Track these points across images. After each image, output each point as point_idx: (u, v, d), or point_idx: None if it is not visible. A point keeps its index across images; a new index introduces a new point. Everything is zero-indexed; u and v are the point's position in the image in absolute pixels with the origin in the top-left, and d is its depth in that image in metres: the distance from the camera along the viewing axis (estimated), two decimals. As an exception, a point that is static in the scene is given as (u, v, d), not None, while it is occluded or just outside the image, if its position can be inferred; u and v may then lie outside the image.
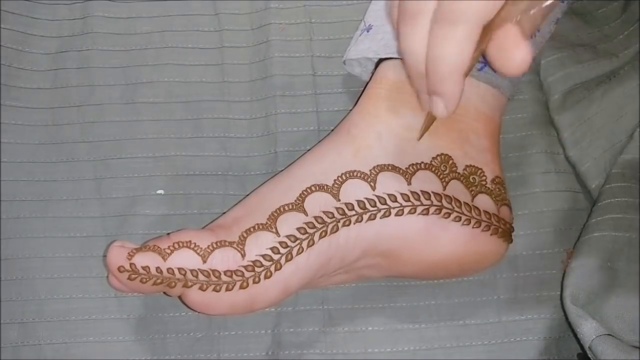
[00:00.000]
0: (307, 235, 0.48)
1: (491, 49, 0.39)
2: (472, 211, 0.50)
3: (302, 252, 0.48)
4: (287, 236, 0.48)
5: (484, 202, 0.51)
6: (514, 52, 0.38)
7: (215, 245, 0.48)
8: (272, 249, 0.48)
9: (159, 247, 0.47)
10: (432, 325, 0.54)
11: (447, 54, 0.39)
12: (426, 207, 0.49)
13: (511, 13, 0.38)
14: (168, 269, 0.47)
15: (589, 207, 0.57)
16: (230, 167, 0.58)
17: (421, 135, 0.49)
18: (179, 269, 0.47)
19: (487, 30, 0.38)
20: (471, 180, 0.51)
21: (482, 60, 0.51)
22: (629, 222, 0.53)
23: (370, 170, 0.50)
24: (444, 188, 0.50)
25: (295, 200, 0.49)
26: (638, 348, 0.47)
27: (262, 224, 0.49)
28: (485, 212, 0.50)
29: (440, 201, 0.49)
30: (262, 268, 0.48)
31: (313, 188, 0.49)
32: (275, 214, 0.49)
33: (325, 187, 0.49)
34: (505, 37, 0.38)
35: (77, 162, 0.58)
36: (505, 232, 0.51)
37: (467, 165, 0.51)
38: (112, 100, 0.60)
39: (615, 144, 0.56)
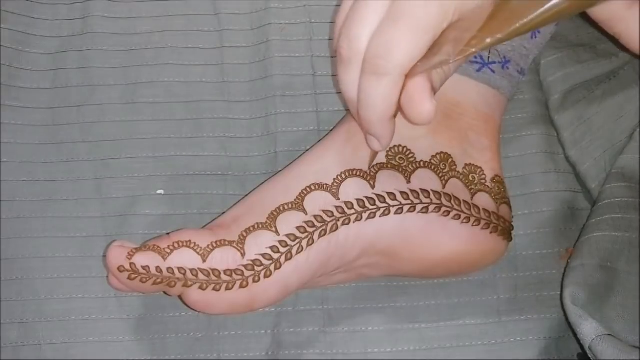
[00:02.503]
0: (306, 234, 0.48)
1: (402, 97, 0.40)
2: (472, 209, 0.50)
3: (301, 251, 0.48)
4: (287, 235, 0.48)
5: (484, 200, 0.51)
6: (420, 106, 0.40)
7: (215, 245, 0.48)
8: (271, 248, 0.48)
9: (158, 247, 0.47)
10: (432, 325, 0.54)
11: (372, 103, 0.41)
12: (426, 205, 0.49)
13: (423, 66, 0.39)
14: (168, 269, 0.47)
15: (589, 207, 0.57)
16: (230, 167, 0.58)
17: (369, 166, 0.50)
18: (178, 268, 0.47)
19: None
20: (470, 178, 0.51)
21: (480, 61, 0.51)
22: (629, 222, 0.53)
23: (369, 169, 0.50)
24: (444, 186, 0.50)
25: (295, 199, 0.49)
26: (638, 348, 0.47)
27: (261, 223, 0.49)
28: (485, 210, 0.51)
29: (440, 199, 0.49)
30: (261, 267, 0.48)
31: (312, 187, 0.49)
32: (275, 213, 0.49)
33: (325, 186, 0.49)
34: (414, 89, 0.40)
35: (77, 162, 0.58)
36: (505, 231, 0.52)
37: (466, 164, 0.51)
38: (112, 100, 0.59)
39: (615, 144, 0.56)
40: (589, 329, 0.49)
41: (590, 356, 0.49)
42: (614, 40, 0.43)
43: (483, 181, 0.51)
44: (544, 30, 0.54)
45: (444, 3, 0.37)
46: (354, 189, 0.49)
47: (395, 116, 0.42)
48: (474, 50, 0.38)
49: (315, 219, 0.49)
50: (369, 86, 0.40)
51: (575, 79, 0.59)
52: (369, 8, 0.39)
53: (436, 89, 0.41)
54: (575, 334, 0.51)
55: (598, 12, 0.42)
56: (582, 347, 0.50)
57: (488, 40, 0.37)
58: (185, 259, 0.47)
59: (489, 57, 0.52)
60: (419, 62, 0.39)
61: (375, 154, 0.49)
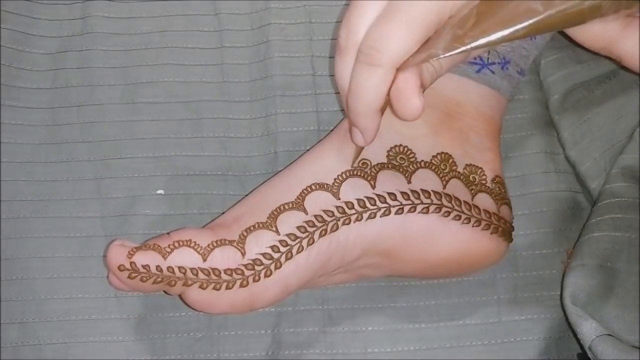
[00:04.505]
0: (307, 233, 0.48)
1: (392, 90, 0.40)
2: (472, 210, 0.50)
3: (302, 250, 0.48)
4: (287, 235, 0.48)
5: (484, 201, 0.51)
6: (408, 100, 0.40)
7: (215, 244, 0.48)
8: (272, 247, 0.48)
9: (159, 246, 0.47)
10: (432, 325, 0.54)
11: (362, 92, 0.40)
12: (426, 205, 0.49)
13: (414, 60, 0.39)
14: (168, 268, 0.47)
15: (589, 207, 0.57)
16: (230, 167, 0.58)
17: (353, 162, 0.50)
18: (179, 267, 0.47)
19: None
20: (471, 179, 0.51)
21: (479, 62, 0.51)
22: (629, 222, 0.53)
23: (370, 169, 0.50)
24: (444, 187, 0.50)
25: (296, 199, 0.49)
26: (638, 348, 0.47)
27: (262, 222, 0.49)
28: (485, 211, 0.51)
29: (440, 200, 0.49)
30: (262, 267, 0.48)
31: (313, 187, 0.49)
32: (276, 213, 0.49)
33: (326, 185, 0.49)
34: (404, 84, 0.39)
35: (77, 162, 0.58)
36: (505, 231, 0.52)
37: (467, 164, 0.51)
38: (112, 100, 0.59)
39: (615, 144, 0.56)
40: (589, 329, 0.49)
41: (590, 356, 0.49)
42: (616, 62, 0.42)
43: (484, 182, 0.51)
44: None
45: (439, 3, 0.38)
46: (354, 189, 0.49)
47: (383, 111, 0.42)
48: (462, 48, 0.37)
49: (316, 218, 0.49)
50: (361, 76, 0.40)
51: (575, 79, 0.59)
52: (369, 4, 0.40)
53: (426, 86, 0.41)
54: (575, 334, 0.51)
55: (593, 40, 0.41)
56: (582, 347, 0.50)
57: (480, 42, 0.37)
58: (185, 258, 0.47)
59: (488, 58, 0.52)
60: (411, 56, 0.39)
61: (359, 149, 0.48)
